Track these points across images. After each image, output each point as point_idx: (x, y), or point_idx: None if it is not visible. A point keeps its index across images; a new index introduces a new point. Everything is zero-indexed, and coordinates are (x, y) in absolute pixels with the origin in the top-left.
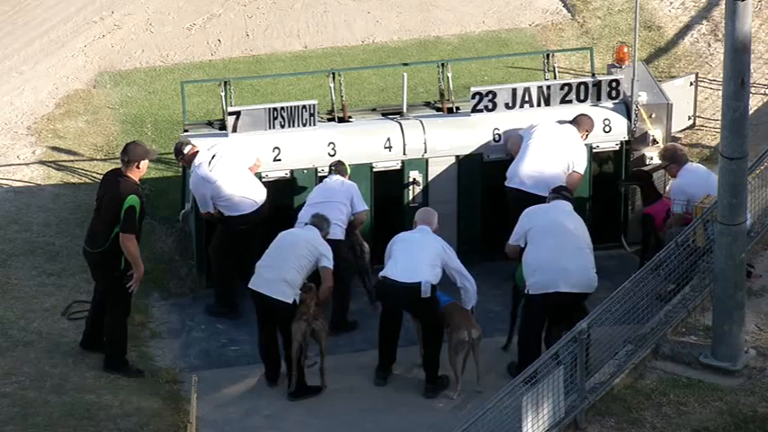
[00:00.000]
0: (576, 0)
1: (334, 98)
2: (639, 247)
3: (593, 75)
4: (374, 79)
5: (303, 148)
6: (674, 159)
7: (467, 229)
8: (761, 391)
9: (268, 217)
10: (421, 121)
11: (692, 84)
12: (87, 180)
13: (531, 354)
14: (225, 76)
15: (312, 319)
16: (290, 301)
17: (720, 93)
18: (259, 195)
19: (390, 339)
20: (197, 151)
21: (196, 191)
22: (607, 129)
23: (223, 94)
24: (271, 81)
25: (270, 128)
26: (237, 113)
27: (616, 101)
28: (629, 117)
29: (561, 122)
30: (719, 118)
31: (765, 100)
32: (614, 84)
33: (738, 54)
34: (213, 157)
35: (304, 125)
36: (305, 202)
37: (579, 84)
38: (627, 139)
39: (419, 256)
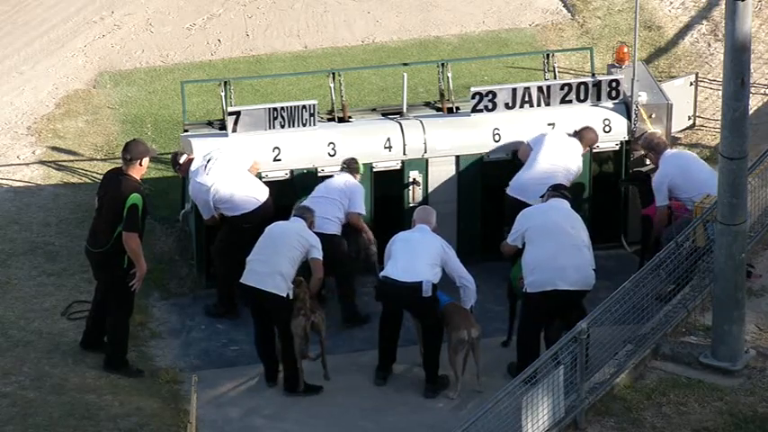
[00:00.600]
0: (576, 0)
1: (334, 98)
2: (639, 247)
3: (593, 75)
4: (374, 79)
5: (303, 148)
6: (650, 147)
7: (467, 229)
8: (761, 391)
9: (273, 216)
10: (421, 121)
11: (692, 84)
12: (87, 180)
13: (530, 353)
14: (225, 76)
15: (310, 313)
16: (284, 295)
17: (720, 93)
18: (261, 194)
19: (390, 339)
20: (192, 158)
21: (197, 197)
22: (607, 129)
23: (223, 94)
24: (271, 81)
25: (270, 128)
26: (237, 113)
27: (616, 101)
28: (629, 117)
29: (568, 134)
30: (719, 118)
31: (765, 100)
32: (614, 84)
33: (738, 54)
34: (209, 161)
35: (304, 125)
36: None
37: (579, 84)
38: (627, 139)
39: (419, 256)
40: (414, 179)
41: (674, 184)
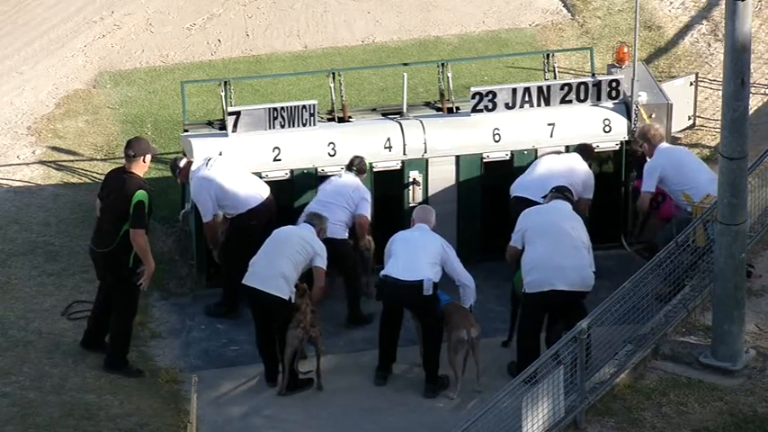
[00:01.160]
0: (576, 0)
1: (334, 98)
2: (640, 246)
3: (593, 75)
4: (374, 79)
5: (303, 148)
6: (645, 138)
7: (467, 229)
8: (761, 391)
9: (277, 216)
10: (421, 121)
11: (692, 84)
12: (87, 180)
13: (529, 353)
14: (225, 76)
15: (309, 327)
16: (287, 298)
17: (720, 93)
18: (263, 190)
19: (391, 339)
20: (191, 161)
21: (199, 196)
22: (607, 129)
23: (223, 94)
24: (271, 81)
25: (270, 128)
26: (237, 113)
27: (616, 101)
28: (629, 117)
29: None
30: (719, 118)
31: (765, 100)
32: (614, 84)
33: (738, 54)
34: (209, 160)
35: (304, 125)
36: (306, 202)
37: (579, 84)
38: (627, 139)
39: (419, 255)
40: (414, 179)
41: (665, 175)
